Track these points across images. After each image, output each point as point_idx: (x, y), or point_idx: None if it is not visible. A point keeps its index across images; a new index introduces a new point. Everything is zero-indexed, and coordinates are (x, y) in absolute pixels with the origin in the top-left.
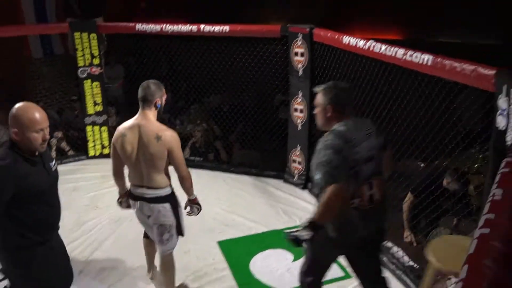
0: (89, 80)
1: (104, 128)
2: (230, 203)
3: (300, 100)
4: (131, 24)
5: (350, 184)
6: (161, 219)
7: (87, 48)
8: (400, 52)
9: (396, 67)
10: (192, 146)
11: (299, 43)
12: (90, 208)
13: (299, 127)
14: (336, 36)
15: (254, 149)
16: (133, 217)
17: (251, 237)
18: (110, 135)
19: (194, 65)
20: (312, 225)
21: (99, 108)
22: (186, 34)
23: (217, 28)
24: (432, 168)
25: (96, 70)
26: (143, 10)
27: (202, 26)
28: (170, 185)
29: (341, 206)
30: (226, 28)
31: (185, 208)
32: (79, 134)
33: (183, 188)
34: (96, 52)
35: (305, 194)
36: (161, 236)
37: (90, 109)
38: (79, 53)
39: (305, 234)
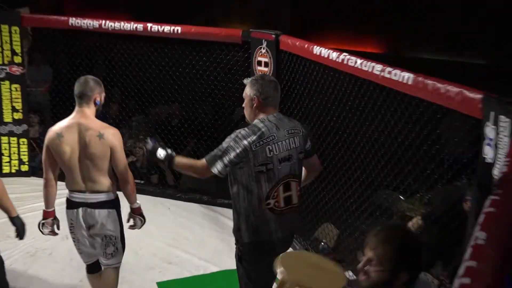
0: (7, 82)
1: (24, 140)
2: (174, 236)
3: None
4: (63, 18)
5: (258, 181)
6: (108, 227)
7: (6, 43)
8: (377, 68)
9: (373, 84)
10: (131, 166)
11: (263, 51)
12: None
13: None
14: (306, 46)
15: None
16: (54, 249)
17: (198, 277)
18: (37, 148)
19: (139, 69)
20: (168, 161)
21: (18, 115)
22: (129, 33)
23: (167, 28)
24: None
25: (16, 70)
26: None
27: (149, 24)
28: (115, 190)
29: (256, 209)
30: (178, 28)
31: (128, 220)
32: None
33: (125, 193)
34: (18, 48)
35: None
36: (105, 248)
37: (7, 117)
38: None
39: (160, 155)
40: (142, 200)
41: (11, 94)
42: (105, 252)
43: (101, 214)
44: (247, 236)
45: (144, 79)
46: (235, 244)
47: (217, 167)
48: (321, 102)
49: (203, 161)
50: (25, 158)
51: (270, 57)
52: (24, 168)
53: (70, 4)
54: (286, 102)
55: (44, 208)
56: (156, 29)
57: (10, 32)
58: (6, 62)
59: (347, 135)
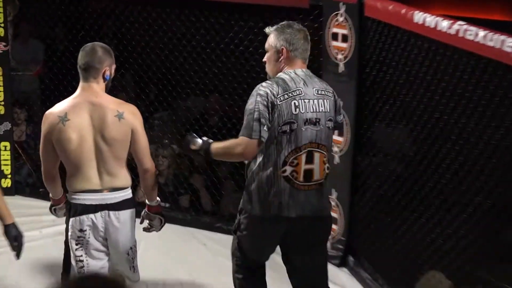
0: None
1: (6, 144)
2: (213, 283)
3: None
4: None
5: (279, 143)
6: (132, 232)
7: None
8: (509, 42)
9: (503, 66)
10: None
11: (340, 19)
12: None
13: (337, 159)
14: (403, 11)
15: None
16: None
17: None
18: (23, 155)
19: (163, 46)
20: (205, 149)
21: None
22: None
23: None
24: None
25: None
26: None
27: None
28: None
29: (271, 176)
30: None
31: (142, 221)
32: None
33: (145, 187)
34: (0, 17)
35: (344, 275)
36: (132, 261)
37: None
38: None
39: (195, 144)
40: (167, 231)
41: None
42: (132, 266)
43: (125, 217)
44: (258, 208)
45: (170, 60)
46: (238, 215)
47: (259, 133)
48: (425, 94)
49: (240, 138)
50: (7, 170)
51: (350, 28)
52: (6, 183)
53: None
54: (373, 93)
55: (51, 196)
56: None
57: None
58: None
59: (464, 142)
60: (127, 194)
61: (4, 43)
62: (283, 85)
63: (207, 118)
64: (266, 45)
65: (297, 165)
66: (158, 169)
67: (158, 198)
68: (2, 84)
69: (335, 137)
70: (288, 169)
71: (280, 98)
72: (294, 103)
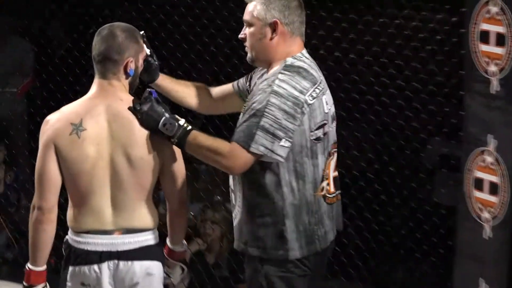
0: None
1: None
2: None
3: (490, 159)
4: None
5: (314, 155)
6: None
7: None
8: None
9: None
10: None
11: (494, 10)
12: None
13: (487, 232)
14: None
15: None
16: None
17: None
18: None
19: (208, 39)
20: (180, 137)
21: None
22: None
23: None
24: None
25: None
26: None
27: None
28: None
29: (312, 200)
30: None
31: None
32: None
33: (171, 224)
34: None
35: None
36: None
37: None
38: None
39: (167, 129)
40: None
41: None
42: None
43: (142, 272)
44: (299, 248)
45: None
46: (251, 266)
47: (262, 147)
48: None
49: (232, 144)
50: None
51: (509, 24)
52: None
53: None
54: None
55: (29, 264)
56: None
57: None
58: None
59: None
60: (149, 239)
61: None
62: (308, 76)
63: None
64: (249, 17)
65: (328, 175)
66: (205, 240)
67: (185, 242)
68: None
69: (485, 196)
70: (324, 185)
71: (311, 96)
72: (325, 98)
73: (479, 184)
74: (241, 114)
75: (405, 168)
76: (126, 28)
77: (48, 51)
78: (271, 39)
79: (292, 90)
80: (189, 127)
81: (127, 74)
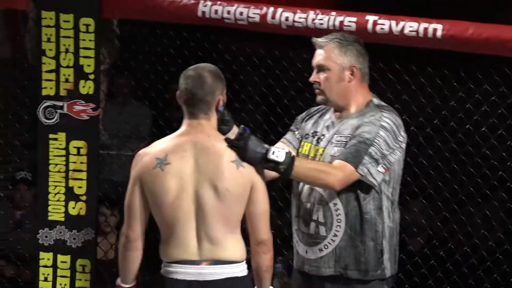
0: (61, 135)
1: (84, 262)
2: None
3: None
4: (189, 1)
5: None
6: None
7: (67, 53)
8: None
9: None
10: None
11: None
12: None
13: None
14: None
15: None
16: None
17: None
18: None
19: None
20: (288, 164)
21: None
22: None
23: (423, 26)
24: None
25: (83, 112)
26: None
27: (373, 18)
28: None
29: (398, 224)
30: (439, 27)
31: None
32: None
33: (256, 266)
34: (90, 65)
35: None
36: None
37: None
38: (47, 64)
39: (273, 153)
40: None
41: (67, 163)
42: None
43: None
44: (391, 267)
45: None
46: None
47: (367, 170)
48: None
49: (340, 162)
50: None
51: None
52: None
53: None
54: None
55: (119, 281)
56: (404, 28)
57: (76, 28)
58: (63, 92)
59: None
60: (238, 271)
61: (93, 105)
62: (400, 120)
63: (405, 239)
64: (323, 61)
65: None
66: None
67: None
68: (85, 169)
69: None
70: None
71: (405, 138)
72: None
73: None
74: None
75: None
76: (213, 69)
77: (166, 114)
78: (350, 81)
79: (394, 127)
80: (293, 153)
81: (217, 112)
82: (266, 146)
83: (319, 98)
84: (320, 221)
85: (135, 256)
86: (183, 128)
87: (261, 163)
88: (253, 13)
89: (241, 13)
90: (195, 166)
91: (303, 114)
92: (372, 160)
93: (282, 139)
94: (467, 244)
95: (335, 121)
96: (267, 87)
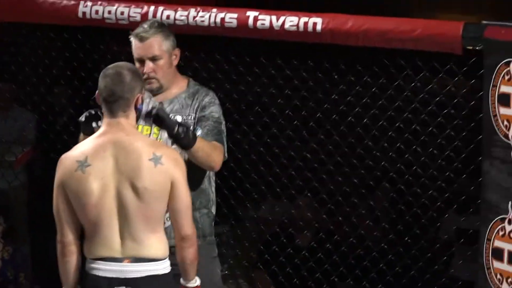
0: None
1: None
2: None
3: (510, 227)
4: (67, 2)
5: None
6: None
7: None
8: None
9: None
10: None
11: None
12: None
13: None
14: None
15: None
16: None
17: None
18: None
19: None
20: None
21: None
22: (210, 32)
23: (304, 20)
24: None
25: None
26: None
27: (268, 17)
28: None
29: None
30: (319, 21)
31: None
32: None
33: (181, 259)
34: None
35: None
36: None
37: None
38: None
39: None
40: None
41: None
42: None
43: None
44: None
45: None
46: None
47: (225, 145)
48: None
49: (216, 143)
50: None
51: None
52: None
53: None
54: None
55: None
56: (291, 23)
57: None
58: None
59: None
60: (159, 268)
61: None
62: None
63: (292, 234)
64: (156, 51)
65: None
66: None
67: (197, 279)
68: None
69: None
70: None
71: None
72: None
73: (498, 254)
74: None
75: (421, 239)
76: (131, 68)
77: (49, 118)
78: (174, 65)
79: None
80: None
81: (137, 109)
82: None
83: (154, 86)
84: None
85: (72, 261)
86: (103, 128)
87: (176, 127)
88: (134, 12)
89: (122, 13)
90: (115, 165)
91: None
92: (224, 135)
93: None
94: (353, 236)
95: (164, 103)
96: None
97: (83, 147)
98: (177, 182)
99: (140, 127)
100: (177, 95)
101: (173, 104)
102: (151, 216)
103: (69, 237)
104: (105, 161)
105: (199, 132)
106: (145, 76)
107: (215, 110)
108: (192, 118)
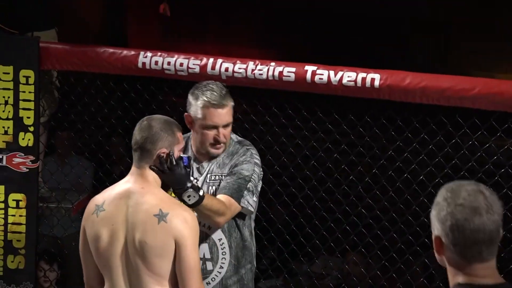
0: (1, 187)
1: None
2: None
3: None
4: (128, 52)
5: None
6: None
7: (7, 105)
8: None
9: None
10: None
11: None
12: None
13: None
14: None
15: None
16: None
17: None
18: None
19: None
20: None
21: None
22: (271, 85)
23: (373, 76)
24: None
25: (22, 164)
26: (164, 17)
27: (322, 72)
28: None
29: None
30: (377, 77)
31: None
32: None
33: None
34: (30, 117)
35: None
36: None
37: None
38: None
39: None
40: None
41: (6, 216)
42: None
43: None
44: None
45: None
46: None
47: (248, 201)
48: None
49: (226, 197)
50: None
51: None
52: None
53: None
54: None
55: None
56: (348, 79)
57: (15, 80)
58: (2, 144)
59: None
60: None
61: (32, 158)
62: None
63: None
64: (230, 118)
65: None
66: None
67: None
68: (24, 222)
69: None
70: None
71: None
72: None
73: None
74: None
75: None
76: (166, 120)
77: (107, 166)
78: None
79: (259, 162)
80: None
81: (161, 164)
82: (189, 185)
83: (221, 150)
84: (207, 257)
85: None
86: (128, 175)
87: (181, 187)
88: (193, 64)
89: (181, 64)
90: (126, 215)
91: None
92: (249, 192)
93: None
94: None
95: (203, 163)
96: None
97: (107, 191)
98: (181, 243)
99: None
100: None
101: (212, 164)
102: (153, 271)
103: (90, 278)
104: (119, 208)
105: (201, 193)
106: (214, 141)
107: (246, 168)
108: (218, 178)
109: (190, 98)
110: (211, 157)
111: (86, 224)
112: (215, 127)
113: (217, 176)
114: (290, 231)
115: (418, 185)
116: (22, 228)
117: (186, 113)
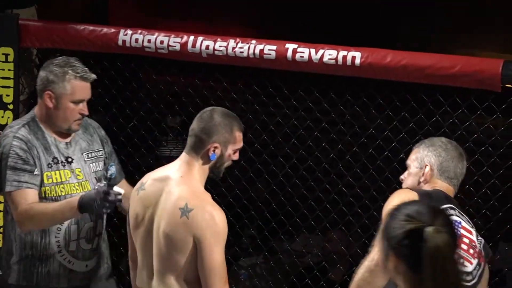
0: None
1: None
2: None
3: None
4: (108, 30)
5: None
6: None
7: None
8: None
9: None
10: None
11: None
12: None
13: None
14: None
15: None
16: None
17: None
18: None
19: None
20: None
21: None
22: (252, 64)
23: (354, 54)
24: None
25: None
26: None
27: (308, 48)
28: None
29: None
30: (358, 55)
31: None
32: None
33: None
34: (9, 94)
35: None
36: None
37: None
38: None
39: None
40: None
41: None
42: None
43: None
44: None
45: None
46: None
47: None
48: None
49: None
50: None
51: None
52: None
53: (118, 7)
54: None
55: None
56: (329, 56)
57: None
58: None
59: None
60: None
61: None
62: None
63: (326, 268)
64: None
65: None
66: None
67: None
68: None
69: None
70: None
71: None
72: None
73: None
74: None
75: None
76: (225, 115)
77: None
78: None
79: None
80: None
81: (208, 157)
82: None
83: (79, 126)
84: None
85: (133, 276)
86: (178, 159)
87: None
88: (174, 41)
89: (161, 42)
90: (159, 201)
91: (22, 149)
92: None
93: (31, 186)
94: None
95: (70, 142)
96: (188, 117)
97: (155, 172)
98: (201, 242)
99: (51, 173)
100: (78, 132)
101: (77, 141)
102: (170, 262)
103: (133, 253)
104: (156, 192)
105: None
106: (79, 117)
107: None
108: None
109: (51, 75)
110: (67, 135)
111: (131, 199)
112: (82, 101)
113: (92, 153)
114: (270, 209)
115: (398, 163)
116: None
117: (46, 91)
